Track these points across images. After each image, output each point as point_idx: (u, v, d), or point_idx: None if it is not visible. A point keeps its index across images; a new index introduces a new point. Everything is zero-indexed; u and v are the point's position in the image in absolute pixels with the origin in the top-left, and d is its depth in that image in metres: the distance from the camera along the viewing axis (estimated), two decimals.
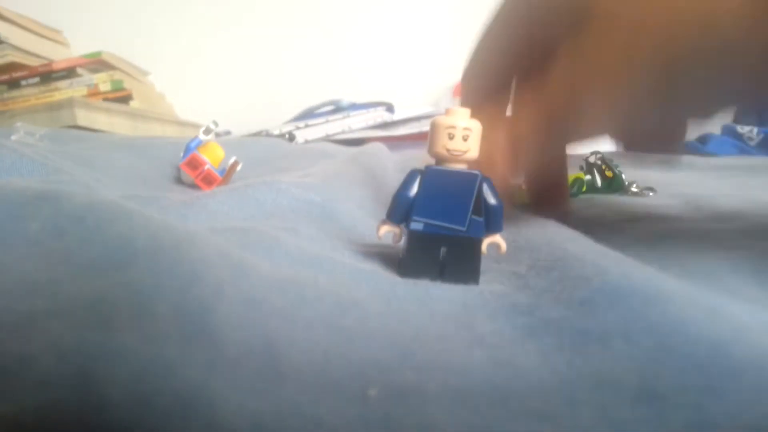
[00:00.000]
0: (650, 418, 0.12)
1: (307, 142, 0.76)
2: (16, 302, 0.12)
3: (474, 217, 0.22)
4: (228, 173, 0.44)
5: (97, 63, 0.93)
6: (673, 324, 0.15)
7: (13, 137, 0.50)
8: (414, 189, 0.22)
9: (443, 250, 0.22)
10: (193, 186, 0.42)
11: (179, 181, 0.44)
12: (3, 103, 0.88)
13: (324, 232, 0.28)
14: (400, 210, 0.22)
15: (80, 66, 0.91)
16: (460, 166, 0.22)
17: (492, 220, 0.22)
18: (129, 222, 0.16)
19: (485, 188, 0.22)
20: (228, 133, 1.00)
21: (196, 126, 0.95)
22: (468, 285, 0.22)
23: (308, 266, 0.21)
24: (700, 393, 0.13)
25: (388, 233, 0.23)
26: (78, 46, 1.07)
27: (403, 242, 0.23)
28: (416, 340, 0.16)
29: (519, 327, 0.18)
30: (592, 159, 0.43)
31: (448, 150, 0.22)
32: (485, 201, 0.22)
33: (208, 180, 0.42)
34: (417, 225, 0.22)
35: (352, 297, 0.19)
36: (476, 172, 0.22)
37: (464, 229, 0.22)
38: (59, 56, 0.97)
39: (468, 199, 0.22)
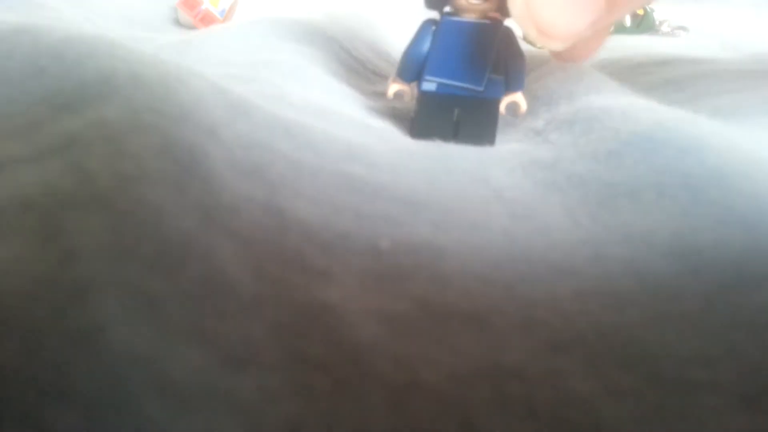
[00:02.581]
0: (684, 274, 0.11)
1: None
2: None
3: (493, 75, 0.20)
4: (228, 14, 0.41)
5: None
6: (711, 175, 0.14)
7: None
8: (427, 44, 0.20)
9: (458, 111, 0.20)
10: (192, 28, 0.40)
11: (177, 22, 0.41)
12: None
13: (332, 76, 0.26)
14: (411, 67, 0.20)
15: None
16: (478, 16, 0.19)
17: (513, 78, 0.20)
18: (110, 56, 0.14)
19: (506, 41, 0.20)
20: None
21: None
22: (483, 146, 0.20)
23: (314, 116, 0.19)
24: (741, 249, 0.12)
25: (398, 92, 0.21)
26: None
27: (414, 102, 0.21)
28: (429, 193, 0.15)
29: (540, 181, 0.17)
30: None
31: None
32: (506, 56, 0.20)
33: (207, 21, 0.40)
34: (429, 85, 0.20)
35: (363, 147, 0.17)
36: (496, 22, 0.19)
37: (482, 89, 0.20)
38: None
39: (487, 55, 0.20)
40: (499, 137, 0.21)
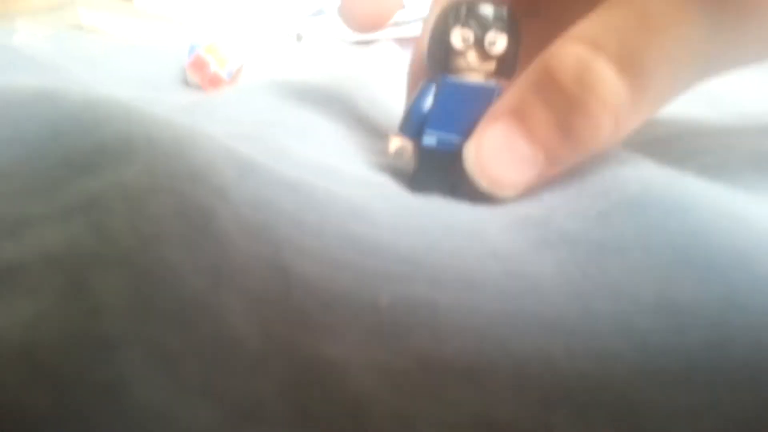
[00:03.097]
0: (669, 330, 0.12)
1: (316, 42, 0.73)
2: (11, 207, 0.12)
3: None
4: (235, 76, 0.43)
5: None
6: (693, 235, 0.15)
7: (14, 38, 0.48)
8: (429, 101, 0.21)
9: (457, 166, 0.21)
10: (199, 88, 0.41)
11: (185, 83, 0.43)
12: (3, 4, 0.85)
13: (334, 136, 0.27)
14: (413, 123, 0.21)
15: None
16: (477, 78, 0.21)
17: None
18: (127, 120, 0.15)
19: None
20: (236, 32, 0.97)
21: (202, 26, 0.91)
22: (480, 202, 0.21)
23: (318, 175, 0.20)
24: (721, 306, 0.12)
25: (399, 147, 0.22)
26: None
27: (415, 157, 0.22)
28: (428, 251, 0.16)
29: (532, 239, 0.17)
30: None
31: (467, 62, 0.20)
32: None
33: (215, 82, 0.41)
34: (431, 140, 0.21)
35: (364, 205, 0.18)
36: (494, 85, 0.20)
37: None
38: None
39: (484, 114, 0.21)
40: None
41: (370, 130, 0.29)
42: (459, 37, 0.20)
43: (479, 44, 0.20)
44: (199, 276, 0.10)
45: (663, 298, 0.13)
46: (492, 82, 0.20)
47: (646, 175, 0.19)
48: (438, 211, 0.20)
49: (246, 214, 0.13)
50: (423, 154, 0.21)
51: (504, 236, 0.18)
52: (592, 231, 0.17)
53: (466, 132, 0.21)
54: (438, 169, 0.21)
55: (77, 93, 0.18)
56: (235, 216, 0.13)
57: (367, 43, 0.68)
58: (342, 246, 0.15)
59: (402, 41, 0.65)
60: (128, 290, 0.09)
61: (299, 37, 0.73)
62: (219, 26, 0.43)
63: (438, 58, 0.21)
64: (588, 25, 0.16)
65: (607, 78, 0.16)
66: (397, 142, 0.22)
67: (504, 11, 0.20)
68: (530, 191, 0.20)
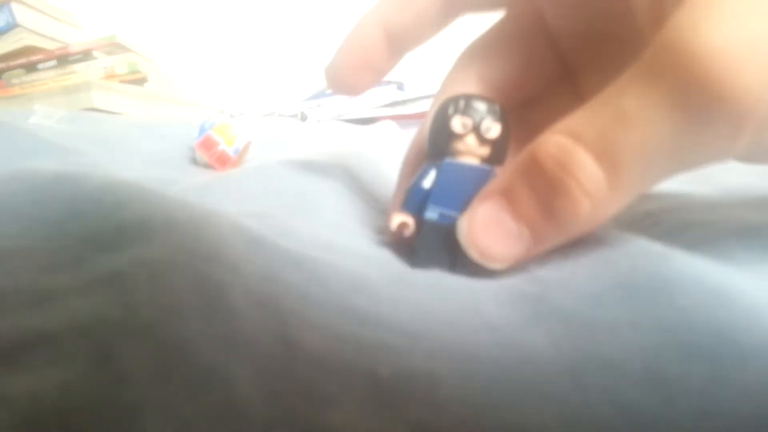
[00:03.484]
0: (656, 403, 0.13)
1: (319, 121, 0.76)
2: (37, 281, 0.13)
3: None
4: (241, 154, 0.44)
5: (112, 45, 0.93)
6: (680, 315, 0.15)
7: (31, 120, 0.51)
8: (429, 181, 0.22)
9: (455, 241, 0.22)
10: (207, 166, 0.43)
11: (194, 161, 0.44)
12: (21, 87, 0.89)
13: (337, 213, 0.28)
14: (415, 201, 0.22)
15: (96, 49, 0.91)
16: (473, 161, 0.22)
17: None
18: (146, 201, 0.16)
19: None
20: (242, 113, 1.00)
21: (210, 107, 0.95)
22: (477, 276, 0.22)
23: (322, 250, 0.21)
24: (705, 381, 0.13)
25: (401, 223, 0.23)
26: (91, 29, 1.08)
27: (415, 233, 0.23)
28: (426, 324, 0.17)
29: (527, 313, 0.18)
30: None
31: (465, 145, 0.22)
32: None
33: (222, 160, 0.43)
34: (432, 214, 0.22)
35: (365, 279, 0.19)
36: (489, 166, 0.22)
37: None
38: (74, 39, 0.98)
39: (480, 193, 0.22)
40: (494, 271, 0.23)
41: (372, 206, 0.31)
42: (459, 123, 0.21)
43: (477, 130, 0.21)
44: (213, 347, 0.11)
45: (651, 371, 0.13)
46: (487, 165, 0.22)
47: (636, 255, 0.20)
48: (436, 285, 0.20)
49: (254, 288, 0.14)
50: (425, 228, 0.22)
51: (500, 310, 0.19)
52: (583, 308, 0.17)
53: (464, 209, 0.22)
54: (438, 244, 0.22)
55: (97, 175, 0.19)
56: (244, 289, 0.14)
57: (368, 121, 0.71)
58: (344, 319, 0.15)
59: (401, 121, 0.68)
60: (150, 359, 0.10)
61: (304, 117, 0.76)
62: (227, 106, 0.45)
63: (439, 143, 0.22)
64: (570, 120, 0.18)
65: (586, 164, 0.17)
66: (399, 218, 0.23)
67: (496, 105, 0.22)
68: (520, 265, 0.21)
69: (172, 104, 0.92)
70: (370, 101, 0.85)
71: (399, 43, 0.24)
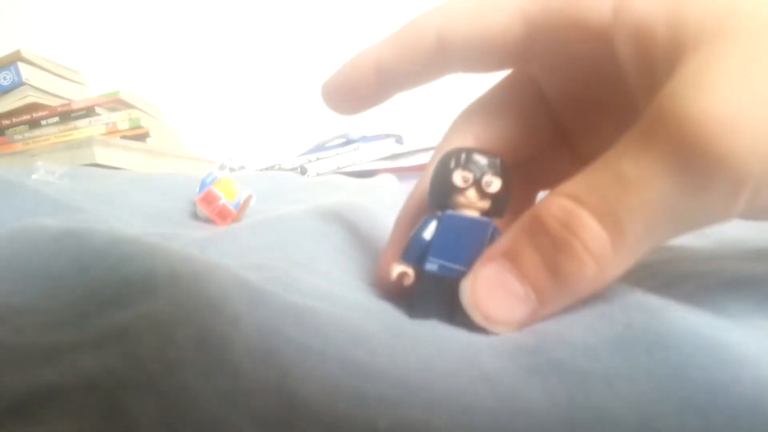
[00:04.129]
0: None
1: (318, 174, 0.77)
2: (44, 336, 0.13)
3: None
4: (242, 207, 0.45)
5: (115, 101, 0.95)
6: (672, 371, 0.16)
7: (34, 176, 0.52)
8: (429, 233, 0.23)
9: (454, 293, 0.22)
10: (208, 220, 0.43)
11: (195, 215, 0.45)
12: (24, 143, 0.91)
13: (336, 265, 0.28)
14: (414, 252, 0.23)
15: (98, 105, 0.93)
16: (474, 214, 0.23)
17: None
18: (150, 256, 0.16)
19: (497, 237, 0.23)
20: (242, 167, 1.02)
21: (211, 162, 0.96)
22: (476, 328, 0.22)
23: (321, 303, 0.21)
24: None
25: (400, 273, 0.23)
26: (96, 86, 1.10)
27: (414, 284, 0.23)
28: (424, 375, 0.17)
29: (524, 366, 0.18)
30: None
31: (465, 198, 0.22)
32: None
33: (223, 214, 0.43)
34: (432, 266, 0.22)
35: (364, 332, 0.19)
36: (489, 220, 0.22)
37: None
38: (78, 96, 1.00)
39: (481, 245, 0.22)
40: None
41: (370, 258, 0.31)
42: (460, 177, 0.22)
43: (477, 184, 0.22)
44: (215, 400, 0.11)
45: (645, 424, 0.14)
46: (487, 218, 0.22)
47: (631, 309, 0.21)
48: (434, 336, 0.21)
49: (255, 342, 0.15)
50: (424, 279, 0.23)
51: (497, 362, 0.19)
52: (580, 361, 0.18)
53: (464, 261, 0.22)
54: (437, 295, 0.22)
55: (101, 231, 0.20)
56: (245, 343, 0.14)
57: (367, 174, 0.72)
58: (343, 371, 0.16)
59: (400, 173, 0.69)
60: (157, 412, 0.10)
61: (303, 170, 0.77)
62: (227, 160, 0.46)
63: (440, 196, 0.23)
64: (572, 183, 0.19)
65: (590, 225, 0.18)
66: (399, 268, 0.23)
67: (497, 159, 0.22)
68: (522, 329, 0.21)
69: (174, 159, 0.93)
70: (368, 154, 0.87)
71: (388, 81, 0.25)
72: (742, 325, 0.20)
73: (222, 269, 0.18)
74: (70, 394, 0.10)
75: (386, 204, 0.48)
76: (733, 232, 0.38)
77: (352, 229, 0.35)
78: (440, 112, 1.12)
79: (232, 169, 0.95)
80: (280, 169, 0.80)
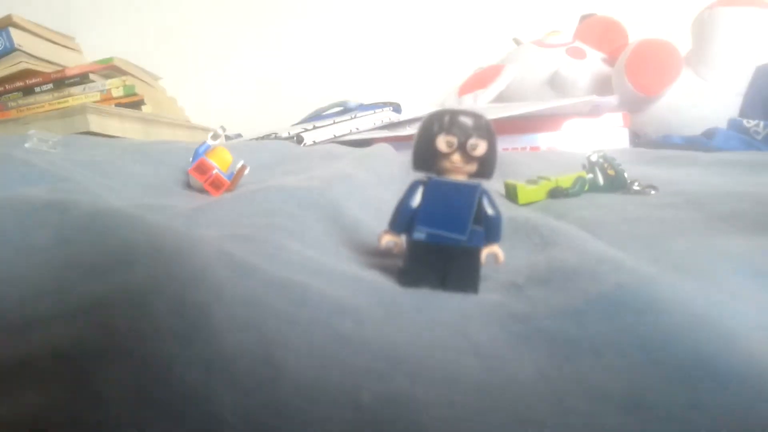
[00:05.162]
0: (636, 428, 0.13)
1: (315, 143, 0.76)
2: (21, 307, 0.13)
3: (474, 227, 0.22)
4: (236, 177, 0.44)
5: (109, 68, 0.94)
6: (663, 337, 0.16)
7: (26, 144, 0.51)
8: (416, 200, 0.22)
9: (444, 259, 0.22)
10: (202, 190, 0.43)
11: (188, 185, 0.44)
12: (18, 110, 0.90)
13: (328, 236, 0.28)
14: (402, 220, 0.22)
15: (92, 72, 0.92)
16: (461, 177, 0.22)
17: (490, 231, 0.22)
18: (131, 228, 0.16)
19: (485, 199, 0.22)
20: (239, 136, 1.01)
21: (207, 130, 0.96)
22: (467, 294, 0.22)
23: (310, 273, 0.21)
24: (685, 406, 0.13)
25: (389, 243, 0.23)
26: (91, 52, 1.09)
27: (404, 252, 0.23)
28: (411, 347, 0.17)
29: (514, 335, 0.18)
30: (594, 158, 0.42)
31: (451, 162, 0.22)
32: (484, 212, 0.22)
33: (216, 184, 0.43)
34: (420, 234, 0.22)
35: (352, 303, 0.19)
36: (476, 183, 0.22)
37: (465, 238, 0.22)
38: (72, 63, 0.99)
39: (469, 209, 0.22)
40: (484, 287, 0.23)
41: (363, 228, 0.31)
42: (444, 142, 0.21)
43: (462, 148, 0.21)
44: (192, 367, 0.11)
45: (632, 397, 0.14)
46: (475, 182, 0.22)
47: (622, 274, 0.20)
48: (424, 306, 0.21)
49: (239, 312, 0.14)
50: (413, 248, 0.22)
51: (487, 331, 0.19)
52: (569, 329, 0.18)
53: (453, 227, 0.22)
54: (427, 263, 0.22)
55: (85, 203, 0.20)
56: (228, 313, 0.14)
57: (364, 143, 0.72)
58: (328, 343, 0.16)
59: (397, 143, 0.69)
60: (128, 383, 0.10)
61: (299, 139, 0.76)
62: (220, 130, 0.45)
63: (424, 161, 0.22)
64: None
65: None
66: (387, 238, 0.23)
67: (482, 120, 0.22)
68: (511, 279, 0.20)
69: (169, 127, 0.92)
70: (365, 123, 0.86)
71: None
72: (737, 297, 0.20)
73: (205, 242, 0.17)
74: (38, 366, 0.10)
75: (381, 173, 0.48)
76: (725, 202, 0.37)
77: (345, 199, 0.35)
78: (439, 81, 1.11)
79: (228, 137, 0.94)
80: (276, 137, 0.79)
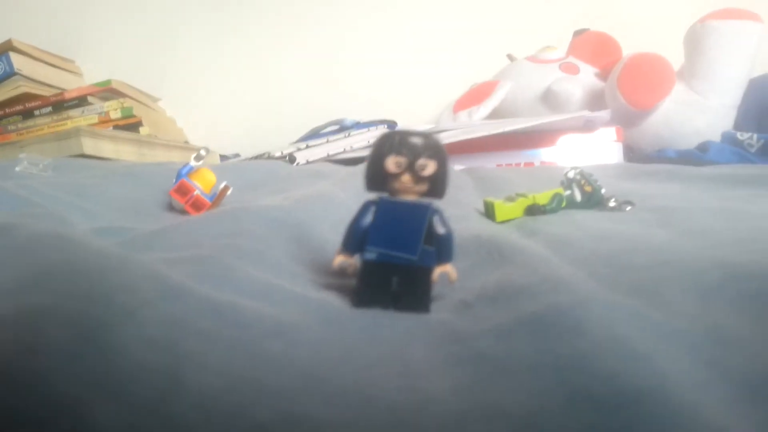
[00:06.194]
0: None
1: (308, 162, 0.77)
2: None
3: (425, 246, 0.22)
4: (218, 198, 0.45)
5: (108, 91, 0.95)
6: (577, 359, 0.16)
7: (17, 168, 0.52)
8: (368, 220, 0.22)
9: (395, 279, 0.22)
10: (183, 212, 0.43)
11: (170, 207, 0.45)
12: (18, 134, 0.91)
13: (289, 256, 0.28)
14: (354, 240, 0.23)
15: (91, 94, 0.93)
16: (412, 197, 0.22)
17: (442, 250, 0.23)
18: (59, 251, 0.17)
19: (435, 219, 0.22)
20: (237, 155, 1.02)
21: (199, 151, 0.96)
22: (419, 313, 0.22)
23: (255, 295, 0.21)
24: (582, 426, 0.13)
25: (342, 263, 0.23)
26: (92, 75, 1.10)
27: (357, 272, 0.23)
28: (340, 367, 0.17)
29: (449, 354, 0.18)
30: (571, 174, 0.43)
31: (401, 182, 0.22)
32: (435, 231, 0.22)
33: (197, 206, 0.43)
34: (371, 255, 0.22)
35: (290, 323, 0.19)
36: (427, 203, 0.22)
37: (416, 258, 0.22)
38: (72, 85, 1.00)
39: (419, 229, 0.22)
40: (436, 307, 0.23)
41: (330, 249, 0.31)
42: (393, 162, 0.22)
43: (411, 168, 0.22)
44: (73, 380, 0.11)
45: (529, 418, 0.14)
46: (426, 201, 0.22)
47: (559, 294, 0.20)
48: (369, 326, 0.21)
49: (152, 331, 0.15)
50: (364, 268, 0.22)
51: (424, 351, 0.19)
52: (497, 349, 0.18)
53: (404, 247, 0.22)
54: (379, 283, 0.22)
55: (30, 227, 0.20)
56: (138, 332, 0.14)
57: (357, 161, 0.72)
58: (250, 363, 0.16)
59: None
60: (7, 397, 0.10)
61: (292, 159, 0.77)
62: (203, 151, 0.46)
63: (376, 182, 0.23)
64: None
65: None
66: (340, 259, 0.23)
67: (432, 140, 0.22)
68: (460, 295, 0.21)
69: (164, 149, 0.93)
70: (360, 141, 0.86)
71: None
72: (666, 310, 0.20)
73: (139, 263, 0.18)
74: None
75: (363, 192, 0.48)
76: (703, 224, 0.37)
77: (317, 219, 0.35)
78: (434, 98, 1.11)
79: (225, 157, 0.95)
80: (269, 157, 0.80)
